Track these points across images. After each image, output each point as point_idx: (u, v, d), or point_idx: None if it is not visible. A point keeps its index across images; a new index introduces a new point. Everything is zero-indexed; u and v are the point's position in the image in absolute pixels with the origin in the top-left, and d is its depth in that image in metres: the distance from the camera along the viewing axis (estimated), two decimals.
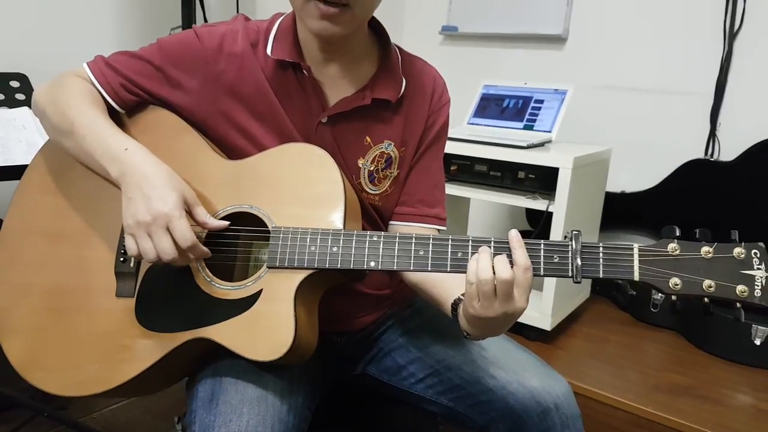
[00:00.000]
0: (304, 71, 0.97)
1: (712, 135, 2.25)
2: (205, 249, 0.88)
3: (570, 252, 0.81)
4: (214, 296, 0.90)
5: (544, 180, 1.91)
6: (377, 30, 1.05)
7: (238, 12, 2.24)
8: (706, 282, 0.77)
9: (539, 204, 1.92)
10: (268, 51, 0.98)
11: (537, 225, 1.96)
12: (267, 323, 0.86)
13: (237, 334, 0.87)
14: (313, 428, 0.98)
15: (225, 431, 0.83)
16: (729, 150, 2.22)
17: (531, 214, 2.59)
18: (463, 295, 0.89)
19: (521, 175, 1.96)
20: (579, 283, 0.81)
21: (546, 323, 1.95)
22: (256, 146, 0.99)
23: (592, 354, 1.97)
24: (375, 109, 1.01)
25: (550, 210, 1.87)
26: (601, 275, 0.80)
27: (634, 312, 2.27)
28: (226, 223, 0.89)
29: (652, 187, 2.38)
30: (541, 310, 1.95)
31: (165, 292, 0.92)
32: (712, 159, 2.25)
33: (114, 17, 2.21)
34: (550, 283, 1.92)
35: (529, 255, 0.81)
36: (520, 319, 1.92)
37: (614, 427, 1.69)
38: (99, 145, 0.91)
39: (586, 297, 2.33)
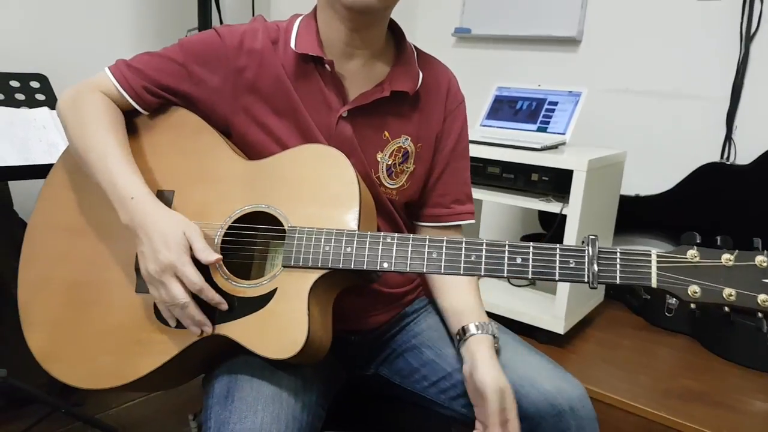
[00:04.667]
0: (326, 65, 0.99)
1: (728, 138, 2.24)
2: (217, 297, 0.89)
3: (586, 257, 0.80)
4: (231, 294, 0.91)
5: (557, 182, 1.90)
6: (393, 30, 1.08)
7: (253, 13, 2.26)
8: (727, 290, 0.75)
9: (552, 206, 1.91)
10: (292, 45, 1.00)
11: (550, 228, 1.96)
12: (281, 322, 0.87)
13: (251, 332, 0.88)
14: (326, 427, 0.99)
15: (240, 428, 0.84)
16: (745, 154, 2.21)
17: (544, 216, 2.59)
18: (468, 329, 1.00)
19: (534, 177, 1.96)
20: (595, 288, 0.81)
21: (559, 327, 1.94)
22: (275, 141, 1.01)
23: (604, 358, 1.97)
24: (393, 103, 1.04)
25: (563, 213, 1.87)
26: (618, 281, 0.79)
27: (647, 316, 2.26)
28: (219, 256, 0.90)
29: (667, 191, 2.37)
30: (553, 314, 1.95)
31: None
32: (727, 163, 2.24)
33: (131, 19, 2.24)
34: (563, 286, 1.92)
35: (545, 260, 0.82)
36: (533, 322, 1.95)
37: (626, 431, 1.68)
38: (108, 183, 0.93)
39: (599, 301, 2.32)
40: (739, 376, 1.88)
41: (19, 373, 1.47)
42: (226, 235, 0.94)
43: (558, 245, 0.82)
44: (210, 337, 0.90)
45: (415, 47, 1.10)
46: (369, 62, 1.03)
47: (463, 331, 1.01)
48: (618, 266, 0.79)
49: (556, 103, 2.14)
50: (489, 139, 2.03)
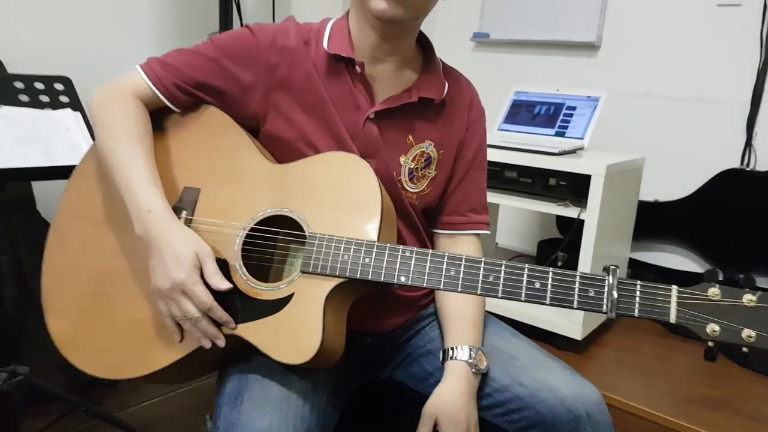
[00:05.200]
0: (357, 67, 1.01)
1: (748, 144, 2.22)
2: (226, 316, 0.90)
3: (606, 287, 0.80)
4: (249, 295, 0.92)
5: (575, 187, 1.89)
6: (423, 44, 1.10)
7: (274, 15, 2.28)
8: (746, 331, 0.75)
9: (570, 211, 1.90)
10: (324, 45, 1.02)
11: (567, 233, 1.95)
12: (296, 327, 0.88)
13: (267, 335, 0.89)
14: (340, 428, 1.00)
15: (248, 429, 0.84)
16: (765, 160, 2.18)
17: (561, 221, 2.58)
18: (453, 348, 1.03)
19: (552, 181, 1.95)
20: (613, 318, 0.81)
21: (576, 333, 1.93)
22: (302, 138, 1.02)
23: (622, 364, 1.95)
24: (419, 109, 1.05)
25: (581, 217, 1.86)
26: (636, 314, 0.79)
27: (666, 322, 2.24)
28: (229, 285, 0.91)
29: (686, 197, 2.35)
30: (571, 320, 1.94)
31: None
32: (747, 168, 2.22)
33: (153, 22, 2.27)
34: None
35: (564, 286, 0.82)
36: (550, 328, 1.94)
37: None
38: (127, 191, 0.94)
39: None
40: (758, 384, 1.85)
41: (41, 372, 1.49)
42: (248, 236, 0.95)
43: (579, 272, 0.82)
44: (226, 337, 0.91)
45: (441, 60, 1.12)
46: (398, 68, 1.05)
47: (450, 351, 1.03)
48: (637, 299, 0.79)
49: (574, 108, 2.13)
50: (506, 143, 2.03)
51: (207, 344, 0.91)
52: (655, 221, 2.40)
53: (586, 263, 1.85)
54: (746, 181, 2.19)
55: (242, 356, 0.96)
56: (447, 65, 1.13)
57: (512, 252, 2.80)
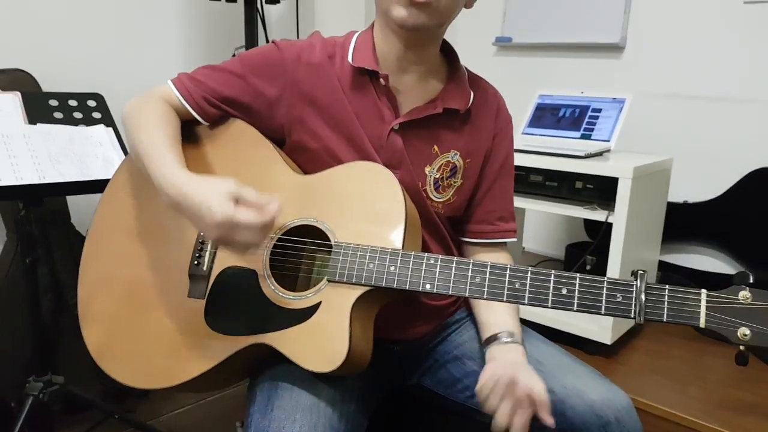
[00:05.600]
0: (381, 79, 1.02)
1: None
2: (273, 210, 0.86)
3: (635, 292, 0.80)
4: (277, 304, 0.93)
5: (602, 190, 1.87)
6: (448, 53, 1.10)
7: (298, 30, 2.31)
8: None
9: (598, 215, 1.89)
10: (349, 59, 1.04)
11: (596, 236, 1.93)
12: (323, 335, 0.89)
13: (295, 343, 0.90)
14: None
15: None
16: None
17: (590, 224, 2.55)
18: (496, 336, 1.01)
19: (579, 185, 1.93)
20: (641, 324, 0.80)
21: (606, 337, 1.91)
22: (326, 151, 1.03)
23: (653, 369, 1.92)
24: (444, 119, 1.06)
25: (609, 221, 1.84)
26: (665, 319, 0.79)
27: None
28: (278, 202, 0.86)
29: (716, 198, 2.31)
30: (600, 324, 1.92)
31: (233, 297, 0.97)
32: None
33: (181, 39, 2.32)
34: None
35: (592, 292, 0.82)
36: (579, 333, 1.91)
37: None
38: (152, 168, 0.95)
39: None
40: None
41: (76, 381, 1.52)
42: (275, 246, 0.97)
43: (606, 278, 0.82)
44: (255, 346, 0.92)
45: (467, 68, 1.12)
46: (423, 78, 1.06)
47: (494, 338, 1.02)
48: (666, 304, 0.79)
49: (600, 110, 2.11)
50: (531, 147, 2.02)
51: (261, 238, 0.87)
52: (685, 223, 2.36)
53: (614, 267, 1.83)
54: None
55: (272, 364, 0.98)
56: (473, 73, 1.13)
57: (540, 256, 2.77)
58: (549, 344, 1.09)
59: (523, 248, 2.75)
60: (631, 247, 1.87)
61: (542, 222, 2.79)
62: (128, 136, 1.04)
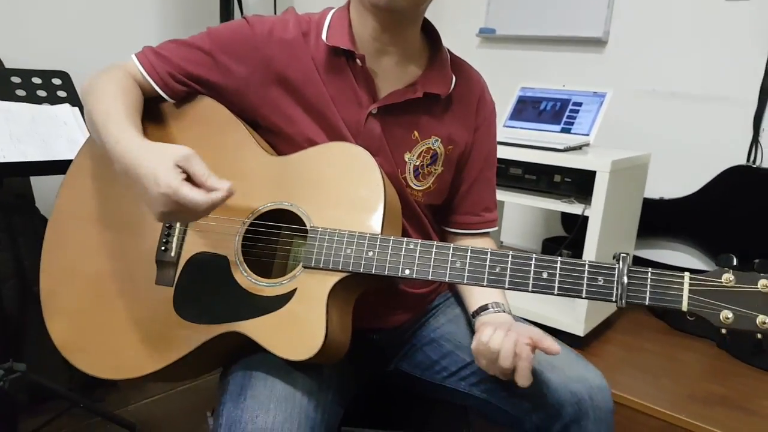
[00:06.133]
0: (358, 60, 0.97)
1: (755, 141, 2.19)
2: (222, 192, 0.82)
3: (616, 275, 0.78)
4: (250, 291, 0.90)
5: (580, 184, 1.88)
6: (429, 34, 1.06)
7: (275, 9, 2.26)
8: (761, 317, 0.73)
9: (575, 208, 1.89)
10: (323, 37, 0.99)
11: (572, 231, 1.93)
12: (299, 323, 0.87)
13: (269, 332, 0.88)
14: (347, 423, 0.99)
15: (252, 427, 0.83)
16: None
17: (567, 219, 2.56)
18: (485, 306, 1.00)
19: (557, 178, 1.93)
20: (623, 307, 0.78)
21: (579, 329, 1.92)
22: (300, 134, 0.99)
23: (626, 361, 1.94)
24: (424, 104, 1.02)
25: (585, 214, 1.84)
26: (647, 302, 0.77)
27: (670, 320, 2.22)
28: (227, 183, 0.83)
29: (692, 194, 2.32)
30: (574, 316, 1.92)
31: (203, 284, 0.94)
32: (754, 165, 2.19)
33: (154, 17, 2.26)
34: None
35: (572, 275, 0.80)
36: (553, 325, 1.92)
37: None
38: (106, 135, 0.90)
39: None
40: (763, 381, 1.84)
41: (43, 370, 1.48)
42: (247, 231, 0.94)
43: (587, 261, 0.80)
44: (227, 334, 0.90)
45: (450, 51, 1.09)
46: (402, 62, 1.01)
47: (483, 308, 1.01)
48: (648, 287, 0.77)
49: (580, 104, 2.11)
50: (512, 139, 2.01)
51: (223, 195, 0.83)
52: (660, 218, 2.38)
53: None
54: (753, 178, 2.17)
55: (246, 353, 0.95)
56: (456, 57, 1.10)
57: (517, 250, 2.78)
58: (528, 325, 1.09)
59: (501, 242, 2.75)
60: (606, 241, 1.87)
61: (520, 216, 2.79)
62: (86, 109, 0.98)
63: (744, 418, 1.61)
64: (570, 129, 2.09)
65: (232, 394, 0.90)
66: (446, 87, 1.04)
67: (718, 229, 2.26)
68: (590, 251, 1.84)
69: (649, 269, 0.78)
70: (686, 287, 0.76)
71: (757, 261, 0.75)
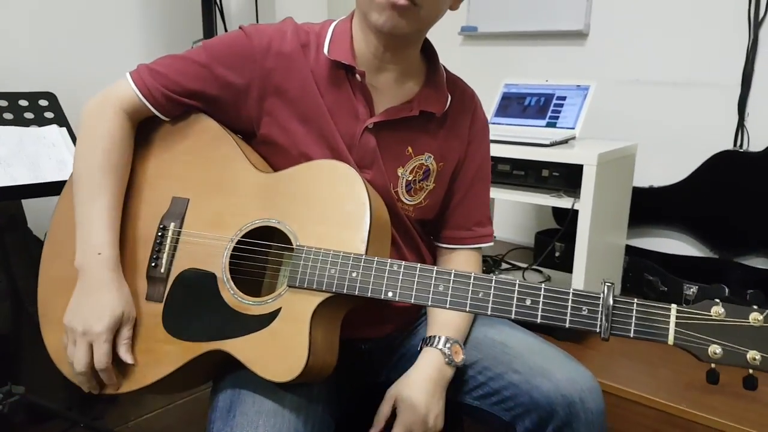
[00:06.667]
0: (357, 75, 0.98)
1: (741, 125, 2.21)
2: (113, 381, 0.93)
3: (601, 306, 0.76)
4: (236, 310, 0.91)
5: (568, 177, 1.88)
6: (427, 50, 1.07)
7: (257, 18, 2.27)
8: (751, 353, 0.71)
9: (564, 202, 1.89)
10: (325, 50, 0.99)
11: (564, 222, 1.94)
12: (282, 343, 0.87)
13: (253, 351, 0.88)
14: None
15: None
16: (758, 141, 2.17)
17: (558, 212, 2.57)
18: (431, 337, 1.03)
19: (545, 173, 1.94)
20: (606, 340, 0.77)
21: None
22: (296, 147, 0.99)
23: (623, 352, 1.94)
24: (420, 121, 1.03)
25: (575, 208, 1.85)
26: (631, 335, 0.75)
27: None
28: (131, 361, 0.93)
29: (681, 181, 2.34)
30: None
31: (191, 301, 0.94)
32: (741, 150, 2.21)
33: (137, 34, 2.26)
34: (578, 277, 1.89)
35: (556, 303, 0.79)
36: None
37: (647, 425, 1.66)
38: (84, 221, 0.95)
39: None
40: None
41: (40, 391, 1.48)
42: (235, 249, 0.94)
43: (572, 290, 0.79)
44: (213, 352, 0.90)
45: (445, 67, 1.09)
46: (400, 78, 1.03)
47: (429, 340, 1.04)
48: (633, 319, 0.75)
49: (564, 98, 2.12)
50: (498, 136, 2.01)
51: (85, 389, 0.94)
52: (651, 207, 2.39)
53: (581, 253, 1.84)
54: (740, 162, 2.18)
55: (235, 368, 0.95)
56: (451, 74, 1.11)
57: (510, 244, 2.78)
58: (517, 329, 1.09)
59: (495, 237, 2.75)
60: (597, 232, 1.88)
61: (511, 210, 2.80)
62: (77, 153, 0.99)
63: (743, 405, 1.62)
64: (555, 123, 2.10)
65: (222, 412, 0.90)
66: (442, 106, 1.05)
67: (709, 214, 2.28)
68: (582, 243, 1.84)
69: (635, 300, 0.75)
70: (672, 320, 0.74)
71: (749, 292, 0.73)
